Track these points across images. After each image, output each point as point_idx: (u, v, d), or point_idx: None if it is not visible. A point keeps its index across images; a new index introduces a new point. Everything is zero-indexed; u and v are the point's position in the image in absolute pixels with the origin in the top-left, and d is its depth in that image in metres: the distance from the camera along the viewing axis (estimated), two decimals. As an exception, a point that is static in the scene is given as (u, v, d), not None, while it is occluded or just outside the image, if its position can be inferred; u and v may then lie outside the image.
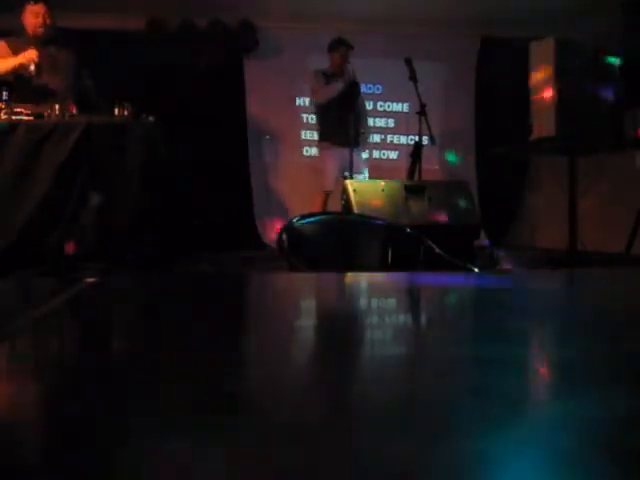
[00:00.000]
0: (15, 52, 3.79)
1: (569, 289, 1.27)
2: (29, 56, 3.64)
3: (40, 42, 3.87)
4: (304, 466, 0.31)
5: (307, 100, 5.80)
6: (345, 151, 4.80)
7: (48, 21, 3.90)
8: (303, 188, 5.61)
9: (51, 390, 0.47)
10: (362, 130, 4.97)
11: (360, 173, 4.93)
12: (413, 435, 0.35)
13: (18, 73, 3.66)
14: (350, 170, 4.74)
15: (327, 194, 4.88)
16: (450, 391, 0.43)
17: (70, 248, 3.36)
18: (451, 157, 6.14)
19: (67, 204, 3.47)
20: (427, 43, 5.74)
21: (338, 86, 4.80)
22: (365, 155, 5.32)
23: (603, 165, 4.76)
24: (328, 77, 4.89)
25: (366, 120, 5.30)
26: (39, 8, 3.88)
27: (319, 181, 5.02)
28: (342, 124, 4.79)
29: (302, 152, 6.04)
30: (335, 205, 4.67)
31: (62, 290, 1.02)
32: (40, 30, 3.88)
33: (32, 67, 3.59)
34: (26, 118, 3.56)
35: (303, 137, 6.03)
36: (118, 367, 0.54)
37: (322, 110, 5.00)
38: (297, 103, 5.97)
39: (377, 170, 5.71)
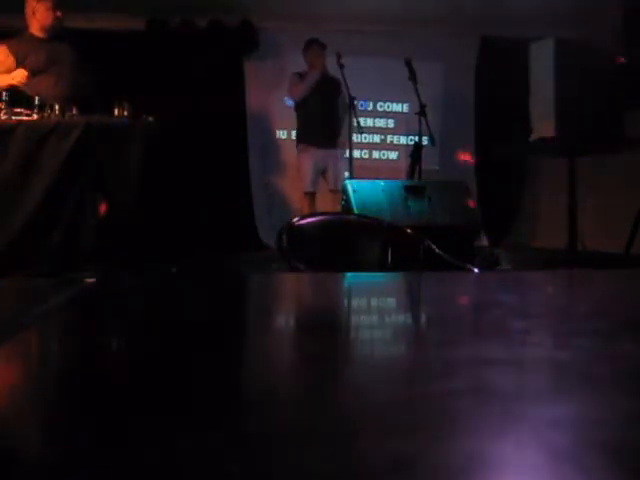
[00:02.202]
0: (17, 55, 3.78)
1: (569, 289, 1.27)
2: (20, 79, 3.64)
3: (46, 39, 3.87)
4: (304, 466, 0.31)
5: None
6: (322, 151, 4.74)
7: (59, 15, 3.87)
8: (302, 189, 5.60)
9: (51, 390, 0.47)
10: (328, 129, 4.84)
11: (341, 173, 4.85)
12: (413, 435, 0.35)
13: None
14: (350, 169, 4.72)
15: (310, 195, 4.81)
16: (450, 391, 0.43)
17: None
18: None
19: (67, 204, 3.46)
20: (427, 43, 5.73)
21: (310, 81, 4.73)
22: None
23: (603, 165, 4.76)
24: (303, 78, 4.83)
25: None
26: (51, 3, 3.84)
27: (297, 183, 4.97)
28: (320, 124, 4.74)
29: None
30: (330, 205, 4.65)
31: (62, 290, 1.02)
32: (54, 25, 3.85)
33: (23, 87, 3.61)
34: (26, 118, 3.56)
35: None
36: (118, 367, 0.54)
37: (300, 110, 4.94)
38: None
39: (377, 170, 5.70)
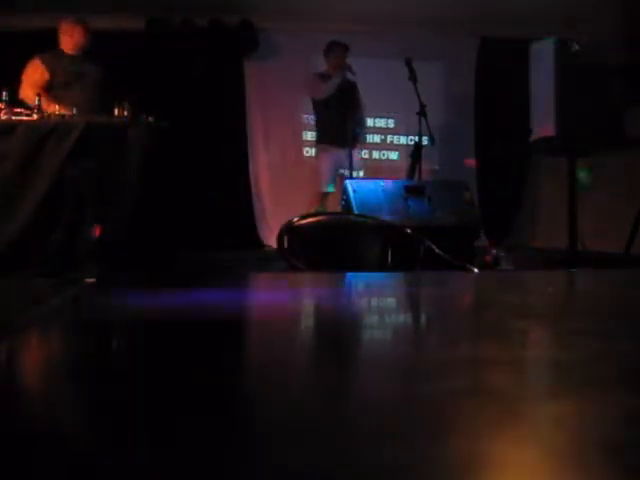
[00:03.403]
0: (49, 68, 4.01)
1: (568, 289, 1.27)
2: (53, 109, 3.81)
3: (76, 56, 4.14)
4: (304, 466, 0.31)
5: (306, 101, 5.79)
6: (342, 151, 4.80)
7: (89, 39, 4.19)
8: (304, 188, 5.61)
9: (52, 390, 0.47)
10: (358, 131, 4.96)
11: (356, 171, 4.96)
12: (413, 435, 0.35)
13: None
14: (350, 169, 4.74)
15: (324, 195, 4.88)
16: (450, 391, 0.43)
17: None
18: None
19: (67, 204, 3.47)
20: (427, 43, 5.73)
21: (335, 81, 4.80)
22: (362, 155, 5.32)
23: (603, 165, 4.75)
24: (325, 78, 4.89)
25: (364, 121, 5.30)
26: (85, 28, 4.19)
27: (316, 182, 5.02)
28: (339, 124, 4.79)
29: (302, 152, 6.03)
30: (335, 205, 4.66)
31: (62, 290, 1.03)
32: (85, 45, 4.17)
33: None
34: (26, 118, 3.56)
35: (303, 137, 6.02)
36: (118, 367, 0.54)
37: (319, 110, 4.99)
38: (297, 103, 5.96)
39: (377, 170, 5.70)
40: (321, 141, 5.01)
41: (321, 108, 4.96)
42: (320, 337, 0.72)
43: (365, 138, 5.49)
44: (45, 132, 3.47)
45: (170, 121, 4.05)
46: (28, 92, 3.90)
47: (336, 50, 4.93)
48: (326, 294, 1.15)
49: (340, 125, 4.79)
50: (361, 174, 5.06)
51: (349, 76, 4.89)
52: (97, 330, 0.72)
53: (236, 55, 5.80)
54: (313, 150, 5.96)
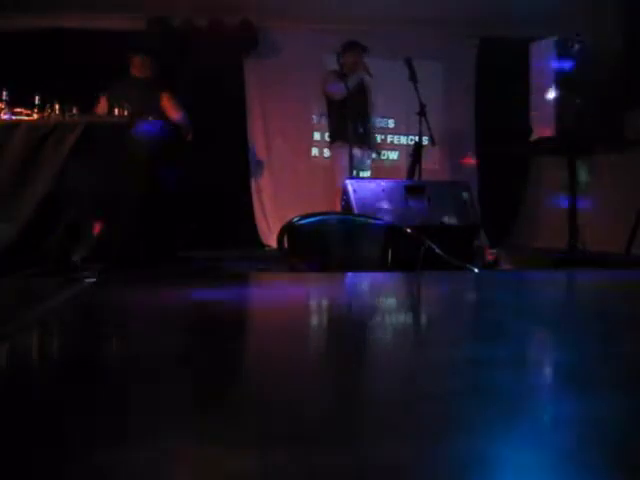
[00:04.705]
0: None
1: (568, 289, 1.27)
2: None
3: None
4: (304, 466, 0.31)
5: (306, 100, 5.79)
6: (357, 150, 4.83)
7: None
8: (304, 188, 5.61)
9: (51, 389, 0.47)
10: (362, 130, 4.99)
11: (364, 171, 4.99)
12: (413, 435, 0.35)
13: None
14: (350, 168, 4.75)
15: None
16: (450, 391, 0.43)
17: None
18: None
19: (67, 204, 3.47)
20: (427, 43, 5.73)
21: (354, 80, 4.83)
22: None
23: (603, 165, 4.75)
24: (341, 77, 4.91)
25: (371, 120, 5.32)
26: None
27: (331, 180, 5.03)
28: (353, 123, 4.81)
29: (304, 152, 6.03)
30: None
31: (62, 290, 1.03)
32: None
33: None
34: (26, 118, 3.56)
35: (303, 137, 6.02)
36: (118, 366, 0.54)
37: (335, 109, 5.00)
38: (296, 103, 5.96)
39: (377, 170, 5.70)
40: (336, 140, 5.01)
41: (336, 107, 4.96)
42: (320, 337, 0.72)
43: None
44: (45, 132, 3.47)
45: (170, 121, 4.05)
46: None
47: (354, 50, 4.93)
48: (326, 294, 1.15)
49: (353, 123, 4.81)
50: (368, 173, 5.10)
51: (366, 77, 4.92)
52: (97, 329, 0.72)
53: (236, 55, 5.80)
54: (315, 149, 5.97)
